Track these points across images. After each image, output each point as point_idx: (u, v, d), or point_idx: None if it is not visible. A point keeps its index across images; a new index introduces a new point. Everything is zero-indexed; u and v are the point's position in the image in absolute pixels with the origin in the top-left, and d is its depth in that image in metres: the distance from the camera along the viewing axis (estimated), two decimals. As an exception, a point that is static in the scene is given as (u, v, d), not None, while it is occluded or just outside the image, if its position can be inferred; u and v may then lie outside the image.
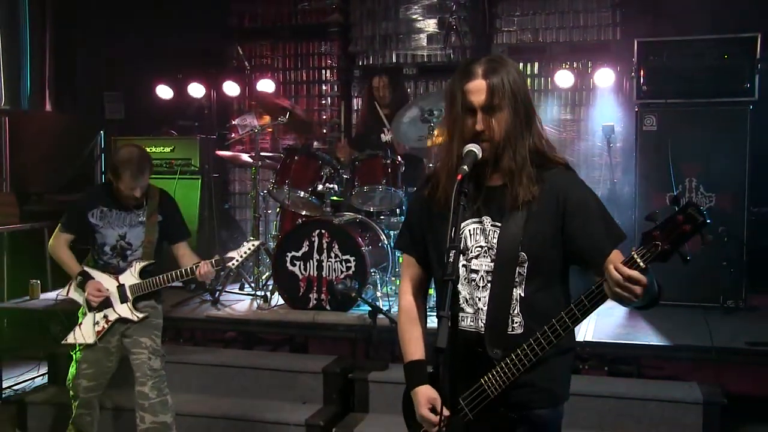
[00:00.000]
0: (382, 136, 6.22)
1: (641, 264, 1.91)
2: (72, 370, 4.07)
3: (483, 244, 2.27)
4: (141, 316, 3.99)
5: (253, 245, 4.02)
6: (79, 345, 4.01)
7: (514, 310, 2.23)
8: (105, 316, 3.98)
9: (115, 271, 4.02)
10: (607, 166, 6.64)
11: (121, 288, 3.99)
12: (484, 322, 2.24)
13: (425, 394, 2.31)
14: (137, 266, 4.00)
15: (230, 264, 3.97)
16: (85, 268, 4.04)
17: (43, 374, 5.48)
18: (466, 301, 2.29)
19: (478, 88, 2.18)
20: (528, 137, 2.22)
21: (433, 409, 2.27)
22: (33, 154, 7.10)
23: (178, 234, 4.16)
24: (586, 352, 4.64)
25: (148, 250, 4.02)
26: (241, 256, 3.97)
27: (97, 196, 4.08)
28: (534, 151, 2.23)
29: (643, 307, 2.11)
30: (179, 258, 4.09)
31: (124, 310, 3.98)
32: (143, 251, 4.02)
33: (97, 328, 3.98)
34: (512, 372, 2.16)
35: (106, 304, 3.98)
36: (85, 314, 4.04)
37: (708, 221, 1.86)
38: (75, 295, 4.08)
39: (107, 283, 4.00)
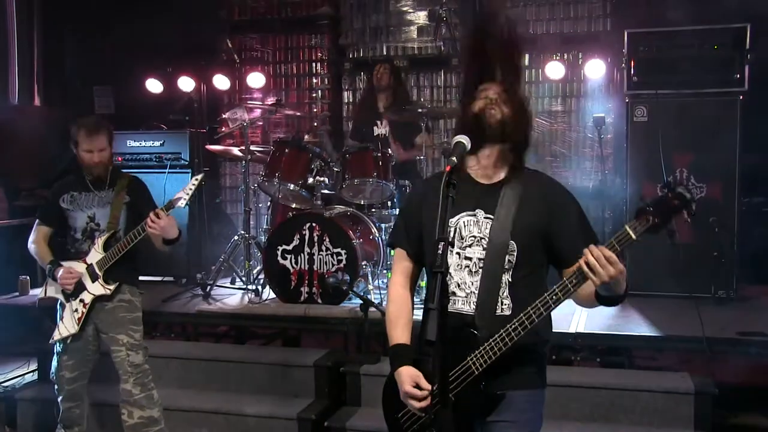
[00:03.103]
0: (375, 129, 6.20)
1: (633, 236, 2.13)
2: (54, 363, 4.07)
3: (476, 234, 2.44)
4: (113, 287, 3.95)
5: (196, 179, 3.93)
6: (66, 339, 3.98)
7: (503, 293, 2.40)
8: (81, 301, 3.96)
9: (85, 256, 3.99)
10: (598, 157, 6.64)
11: (89, 268, 3.96)
12: (474, 304, 2.39)
13: (408, 372, 2.39)
14: (99, 241, 3.97)
15: (179, 204, 3.84)
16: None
17: (32, 371, 5.45)
18: (458, 286, 2.43)
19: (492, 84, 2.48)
20: (524, 143, 2.49)
21: (417, 386, 2.35)
22: (22, 149, 7.04)
23: (147, 214, 4.07)
24: (578, 343, 4.64)
25: (111, 225, 3.99)
26: (188, 194, 3.87)
27: (67, 183, 4.09)
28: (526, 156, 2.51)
29: (611, 300, 2.27)
30: (152, 240, 3.97)
31: (97, 288, 3.95)
32: (107, 228, 3.99)
33: (77, 315, 3.96)
34: (498, 348, 2.29)
35: (80, 288, 3.96)
36: (63, 307, 4.02)
37: (695, 200, 2.11)
38: (52, 291, 4.05)
39: (77, 267, 3.97)
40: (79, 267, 3.98)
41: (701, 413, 4.08)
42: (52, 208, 4.07)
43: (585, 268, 2.14)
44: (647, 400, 4.19)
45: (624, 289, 2.23)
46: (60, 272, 3.95)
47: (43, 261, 4.07)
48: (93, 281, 3.96)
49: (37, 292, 5.71)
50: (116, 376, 4.02)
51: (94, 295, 3.95)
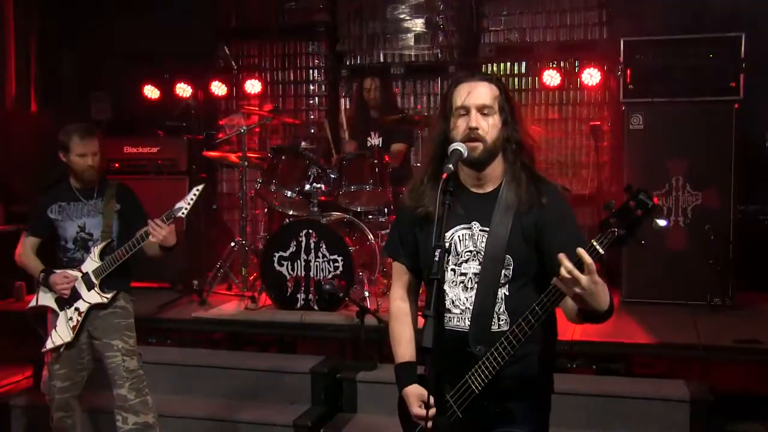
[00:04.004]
0: (369, 139, 6.20)
1: (600, 250, 2.00)
2: (45, 373, 4.03)
3: (471, 248, 2.35)
4: (110, 296, 3.93)
5: (198, 190, 3.85)
6: (59, 347, 3.95)
7: (499, 309, 2.31)
8: (76, 309, 3.93)
9: (79, 265, 3.97)
10: (595, 164, 6.66)
11: (85, 276, 3.93)
12: (469, 321, 2.31)
13: (414, 392, 2.37)
14: (96, 250, 3.94)
15: (180, 214, 3.79)
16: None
17: (27, 377, 5.43)
18: (453, 303, 2.35)
19: (475, 89, 2.30)
20: (517, 148, 2.36)
21: (424, 404, 2.31)
22: (18, 155, 7.03)
23: (138, 221, 4.02)
24: (575, 350, 4.64)
25: (106, 235, 3.97)
26: (189, 204, 3.81)
27: (55, 193, 4.06)
28: (522, 162, 2.36)
29: (594, 316, 2.13)
30: (144, 247, 3.94)
31: (93, 297, 3.92)
32: (102, 237, 3.97)
33: (72, 324, 3.93)
34: (494, 366, 2.22)
35: (75, 297, 3.93)
36: (56, 316, 3.98)
37: (656, 204, 2.00)
38: (45, 300, 4.00)
39: (72, 273, 3.94)
40: (74, 274, 3.96)
41: (697, 420, 4.08)
42: (41, 219, 4.03)
43: (555, 280, 2.04)
44: (643, 407, 4.19)
45: (606, 304, 2.08)
46: (55, 279, 3.91)
47: (34, 271, 4.02)
48: (89, 290, 3.93)
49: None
50: (110, 382, 3.99)
51: (90, 303, 3.93)
